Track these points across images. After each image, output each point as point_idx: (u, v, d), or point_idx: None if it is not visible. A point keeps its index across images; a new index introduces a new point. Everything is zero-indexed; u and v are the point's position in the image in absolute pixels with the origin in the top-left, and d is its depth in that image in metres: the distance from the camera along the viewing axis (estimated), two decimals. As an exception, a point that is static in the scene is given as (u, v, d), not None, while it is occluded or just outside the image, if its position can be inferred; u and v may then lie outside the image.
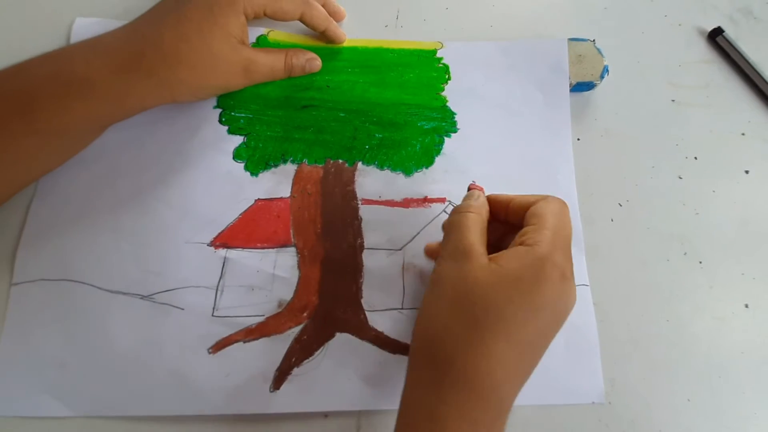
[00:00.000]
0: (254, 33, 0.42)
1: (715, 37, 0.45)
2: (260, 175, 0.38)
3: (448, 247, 0.29)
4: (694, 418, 0.34)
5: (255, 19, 0.38)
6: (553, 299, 0.26)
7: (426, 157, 0.39)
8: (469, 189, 0.32)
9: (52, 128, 0.32)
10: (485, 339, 0.25)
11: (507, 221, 0.31)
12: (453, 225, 0.29)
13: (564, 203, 0.29)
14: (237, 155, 0.38)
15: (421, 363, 0.28)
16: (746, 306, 0.37)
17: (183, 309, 0.34)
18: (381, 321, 0.35)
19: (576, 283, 0.35)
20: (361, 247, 0.36)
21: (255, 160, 0.38)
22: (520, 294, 0.26)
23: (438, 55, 0.42)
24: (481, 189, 0.32)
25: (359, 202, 0.38)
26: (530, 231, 0.27)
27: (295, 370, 0.33)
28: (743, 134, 0.42)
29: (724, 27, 0.44)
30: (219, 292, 0.35)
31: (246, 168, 0.38)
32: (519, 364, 0.26)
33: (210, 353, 0.34)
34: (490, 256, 0.27)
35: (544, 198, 0.29)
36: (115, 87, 0.32)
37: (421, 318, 0.28)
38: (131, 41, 0.33)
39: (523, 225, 0.28)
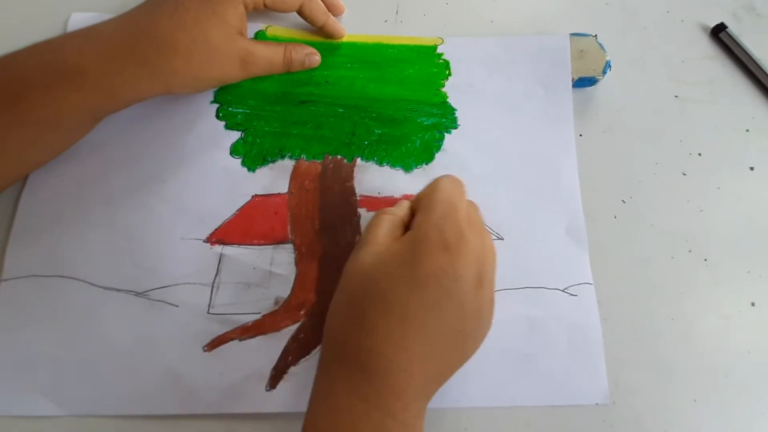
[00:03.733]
0: (252, 29, 0.41)
1: (718, 33, 0.44)
2: (257, 170, 0.37)
3: (355, 246, 0.30)
4: (700, 418, 0.33)
5: (254, 10, 0.37)
6: (436, 272, 0.26)
7: (426, 153, 0.39)
8: None
9: (42, 119, 0.31)
10: (367, 316, 0.26)
11: None
12: (368, 223, 0.30)
13: (454, 179, 0.30)
14: (234, 151, 0.38)
15: (323, 349, 0.28)
16: (752, 304, 0.36)
17: (178, 306, 0.34)
18: (380, 319, 0.34)
19: (578, 282, 0.36)
20: (360, 244, 0.36)
21: (252, 155, 0.38)
22: (397, 269, 0.26)
23: (438, 50, 0.42)
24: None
25: (358, 198, 0.37)
26: (417, 216, 0.28)
27: (292, 369, 0.33)
28: (747, 130, 0.41)
29: (726, 23, 0.44)
30: (215, 290, 0.34)
31: (243, 164, 0.37)
32: (411, 342, 0.25)
33: (205, 351, 0.33)
34: None
35: (432, 181, 0.30)
36: (108, 76, 0.31)
37: (328, 312, 0.29)
38: (126, 30, 0.32)
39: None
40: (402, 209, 0.31)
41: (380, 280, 0.26)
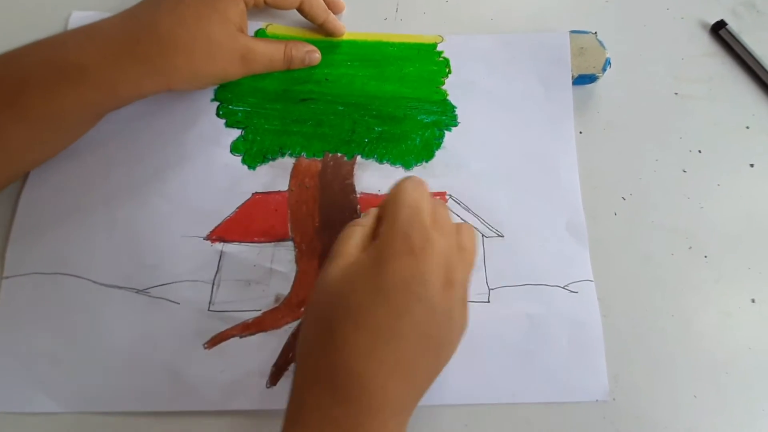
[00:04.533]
0: (253, 27, 0.41)
1: (718, 30, 0.44)
2: (258, 168, 0.37)
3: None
4: (701, 415, 0.33)
5: (255, 8, 0.37)
6: (403, 277, 0.24)
7: (426, 150, 0.39)
8: None
9: (43, 116, 0.31)
10: (334, 331, 0.24)
11: None
12: (338, 238, 0.29)
13: (416, 181, 0.29)
14: (234, 148, 0.38)
15: (295, 374, 0.27)
16: (753, 301, 0.36)
17: (178, 303, 0.34)
18: (380, 316, 0.34)
19: (579, 279, 0.36)
20: (360, 241, 0.36)
21: (253, 153, 0.38)
22: (363, 281, 0.25)
23: (438, 48, 0.42)
24: None
25: (358, 196, 0.37)
26: (382, 223, 0.27)
27: (293, 366, 0.33)
28: (747, 127, 0.41)
29: (726, 20, 0.44)
30: (215, 287, 0.34)
31: (243, 161, 0.38)
32: (384, 354, 0.24)
33: (205, 348, 0.33)
34: None
35: (394, 185, 0.29)
36: (109, 73, 0.31)
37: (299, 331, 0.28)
38: (126, 27, 0.33)
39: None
40: (370, 219, 0.29)
41: (347, 293, 0.25)
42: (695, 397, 0.34)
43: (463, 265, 0.27)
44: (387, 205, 0.28)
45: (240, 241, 0.35)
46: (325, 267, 0.27)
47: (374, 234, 0.28)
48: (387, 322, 0.24)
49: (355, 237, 0.28)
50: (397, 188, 0.28)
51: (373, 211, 0.30)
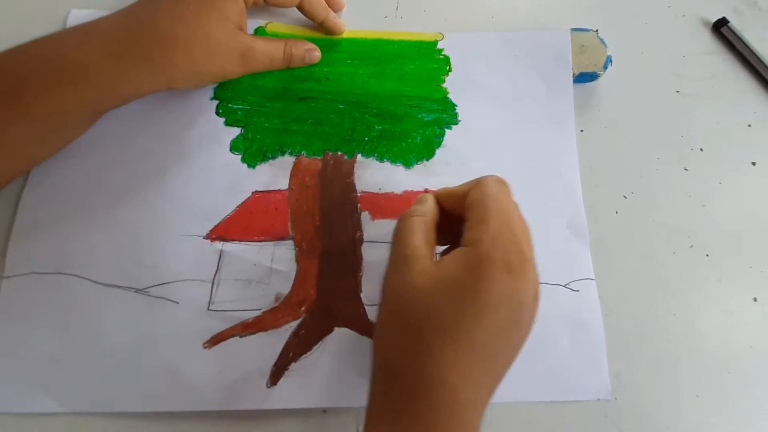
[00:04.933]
0: (252, 25, 0.41)
1: (720, 27, 0.44)
2: (258, 167, 0.37)
3: (392, 256, 0.27)
4: (703, 414, 0.33)
5: (254, 6, 0.37)
6: (501, 297, 0.24)
7: (427, 149, 0.39)
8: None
9: (42, 115, 0.31)
10: (431, 346, 0.24)
11: (460, 215, 0.28)
12: (397, 232, 0.28)
13: (500, 181, 0.28)
14: (234, 147, 0.38)
15: (375, 377, 0.26)
16: (755, 300, 0.36)
17: (178, 303, 0.33)
18: (381, 315, 0.34)
19: (580, 277, 0.36)
20: (361, 240, 0.36)
21: (252, 152, 0.38)
22: (461, 296, 0.24)
23: (439, 46, 0.42)
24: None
25: (358, 195, 0.37)
26: (470, 227, 0.26)
27: (293, 366, 0.33)
28: (749, 126, 0.41)
29: (728, 17, 0.44)
30: (215, 286, 0.34)
31: (243, 160, 0.37)
32: (478, 369, 0.24)
33: (205, 348, 0.33)
34: (438, 260, 0.26)
35: (477, 183, 0.27)
36: (108, 72, 0.31)
37: (376, 334, 0.27)
38: (125, 25, 0.32)
39: (465, 215, 0.27)
40: (429, 207, 0.29)
41: (442, 307, 0.24)
42: (697, 396, 0.34)
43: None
44: (473, 207, 0.26)
45: (240, 240, 0.35)
46: (397, 267, 0.26)
47: (436, 225, 0.28)
48: (483, 341, 0.24)
49: (418, 231, 0.27)
50: (482, 188, 0.27)
51: (428, 198, 0.29)
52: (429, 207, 0.29)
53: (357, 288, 0.35)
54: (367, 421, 0.26)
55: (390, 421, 0.25)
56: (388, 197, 0.37)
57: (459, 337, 0.24)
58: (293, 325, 0.34)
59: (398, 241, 0.27)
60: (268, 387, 0.32)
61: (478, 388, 0.25)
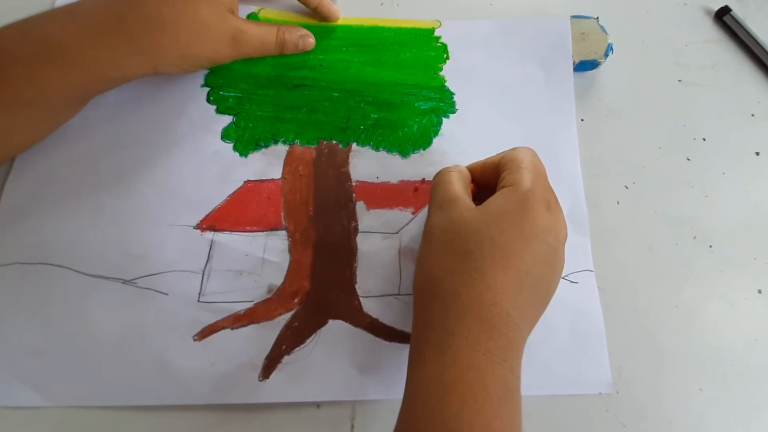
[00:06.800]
0: (244, 11, 0.40)
1: (722, 16, 0.43)
2: (250, 155, 0.36)
3: (435, 201, 0.30)
4: (706, 407, 0.32)
5: (246, -12, 0.36)
6: (543, 229, 0.27)
7: (423, 138, 0.38)
8: None
9: (24, 98, 0.30)
10: (484, 270, 0.26)
11: (490, 185, 0.31)
12: (437, 182, 0.31)
13: (532, 149, 0.31)
14: (225, 135, 0.37)
15: (425, 305, 0.27)
16: (759, 291, 0.35)
17: (167, 294, 0.33)
18: (376, 307, 0.33)
19: (580, 269, 0.35)
20: (356, 231, 0.35)
21: (244, 140, 0.37)
22: (510, 225, 0.26)
23: (436, 33, 0.41)
24: None
25: (353, 184, 0.36)
26: (507, 174, 0.29)
27: (286, 359, 0.32)
28: (753, 115, 0.40)
29: (731, 6, 0.43)
30: (205, 277, 0.33)
31: (235, 148, 0.36)
32: (524, 295, 0.26)
33: (195, 340, 0.32)
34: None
35: (510, 149, 0.31)
36: (92, 54, 0.30)
37: (418, 270, 0.29)
38: (111, 5, 0.31)
39: (500, 172, 0.30)
40: (462, 168, 0.32)
41: (494, 235, 0.26)
42: (700, 389, 0.33)
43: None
44: (509, 162, 0.29)
45: (231, 230, 0.34)
46: (443, 209, 0.29)
47: (470, 179, 0.32)
48: (530, 268, 0.26)
49: (456, 182, 0.30)
50: (517, 150, 0.30)
51: (461, 166, 0.32)
52: (463, 168, 0.32)
53: (352, 279, 0.34)
54: (412, 351, 0.27)
55: (437, 345, 0.25)
56: (384, 187, 0.36)
57: (510, 262, 0.26)
58: (286, 317, 0.33)
59: (440, 189, 0.30)
60: (260, 380, 0.31)
61: (524, 317, 0.26)
